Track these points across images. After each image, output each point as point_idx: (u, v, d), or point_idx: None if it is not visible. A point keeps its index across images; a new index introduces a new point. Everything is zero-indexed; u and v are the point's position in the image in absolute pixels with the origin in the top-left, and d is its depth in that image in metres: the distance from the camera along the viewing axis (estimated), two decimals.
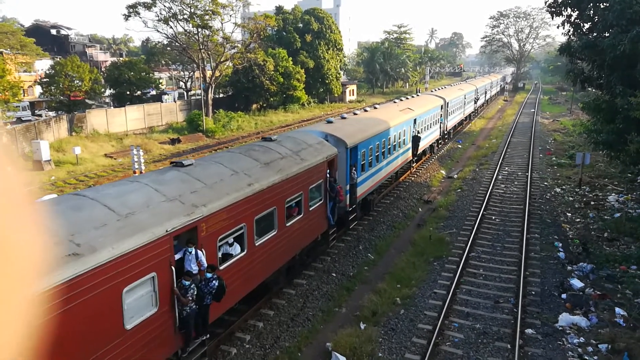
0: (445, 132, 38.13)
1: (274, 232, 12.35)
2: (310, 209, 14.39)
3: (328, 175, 15.48)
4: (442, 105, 34.85)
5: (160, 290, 8.61)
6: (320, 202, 15.17)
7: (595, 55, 18.99)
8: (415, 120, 27.08)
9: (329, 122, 19.62)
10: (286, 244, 13.09)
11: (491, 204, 23.24)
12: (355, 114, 22.96)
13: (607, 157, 23.56)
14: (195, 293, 9.30)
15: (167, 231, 8.64)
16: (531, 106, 72.66)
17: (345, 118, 21.02)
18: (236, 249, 10.94)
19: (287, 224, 12.98)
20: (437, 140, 35.58)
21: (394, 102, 29.94)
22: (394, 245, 18.51)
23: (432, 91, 42.86)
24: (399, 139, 24.31)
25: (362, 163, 18.98)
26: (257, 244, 11.56)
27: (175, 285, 9.01)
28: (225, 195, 10.37)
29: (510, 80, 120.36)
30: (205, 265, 9.69)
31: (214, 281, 9.74)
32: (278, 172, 12.44)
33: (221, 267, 10.35)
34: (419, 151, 28.57)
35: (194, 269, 9.60)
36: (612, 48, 17.02)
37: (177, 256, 9.36)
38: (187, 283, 9.19)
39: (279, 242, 12.62)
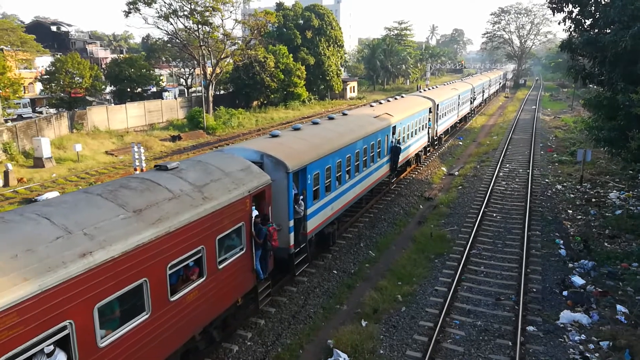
0: (435, 138, 34.20)
1: (145, 316, 8.26)
2: (221, 267, 10.33)
3: (254, 215, 11.56)
4: (430, 108, 30.95)
5: None
6: (241, 253, 11.12)
7: (597, 52, 18.92)
8: (394, 127, 23.21)
9: (274, 135, 15.51)
10: (172, 327, 9.00)
11: (492, 201, 23.23)
12: (315, 122, 18.58)
13: (609, 154, 23.50)
14: None
15: None
16: (532, 103, 72.61)
17: (298, 129, 16.94)
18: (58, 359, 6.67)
19: (174, 298, 8.92)
20: (425, 148, 31.39)
21: (371, 105, 25.84)
22: (395, 243, 18.52)
23: (420, 91, 38.71)
24: (372, 152, 20.15)
25: (314, 189, 14.92)
26: (103, 345, 7.39)
27: None
28: (21, 282, 6.19)
29: (511, 77, 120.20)
30: None
31: None
32: (155, 223, 8.39)
33: None
34: (400, 163, 24.53)
35: None
36: (614, 44, 16.95)
37: None
38: None
39: (156, 329, 8.55)
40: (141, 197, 8.92)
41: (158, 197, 9.09)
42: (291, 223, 13.55)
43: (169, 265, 8.72)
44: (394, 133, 23.24)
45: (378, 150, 20.98)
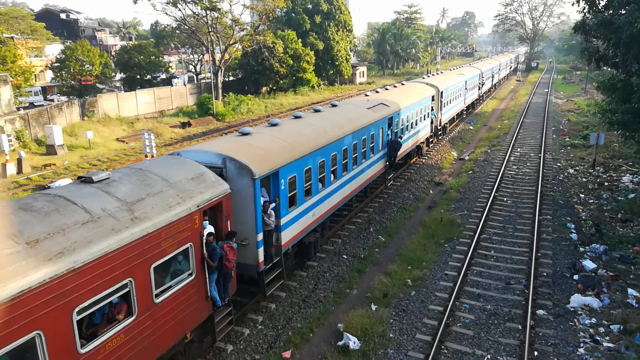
0: (439, 127, 32.19)
1: None
2: (160, 300, 8.57)
3: (207, 232, 9.87)
4: (433, 96, 28.99)
5: None
6: (190, 279, 9.35)
7: (611, 34, 18.58)
8: (391, 119, 21.23)
9: (243, 134, 13.44)
10: None
11: (503, 186, 23.11)
12: (297, 117, 16.51)
13: (622, 137, 23.21)
14: None
15: None
16: (545, 86, 71.62)
17: (275, 125, 14.75)
18: None
19: (85, 349, 7.10)
20: (428, 139, 29.56)
21: (366, 94, 23.99)
22: (405, 227, 18.54)
23: (423, 77, 36.06)
24: (363, 147, 18.27)
25: (290, 195, 13.07)
26: None
27: None
28: None
29: (523, 59, 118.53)
30: None
31: None
32: (53, 259, 6.60)
33: None
34: (399, 157, 22.73)
35: None
36: (629, 25, 16.61)
37: None
38: None
39: None
40: (43, 222, 6.99)
41: (67, 220, 7.20)
42: (260, 236, 11.67)
43: (77, 309, 6.90)
44: (390, 125, 21.30)
45: (371, 145, 19.16)
